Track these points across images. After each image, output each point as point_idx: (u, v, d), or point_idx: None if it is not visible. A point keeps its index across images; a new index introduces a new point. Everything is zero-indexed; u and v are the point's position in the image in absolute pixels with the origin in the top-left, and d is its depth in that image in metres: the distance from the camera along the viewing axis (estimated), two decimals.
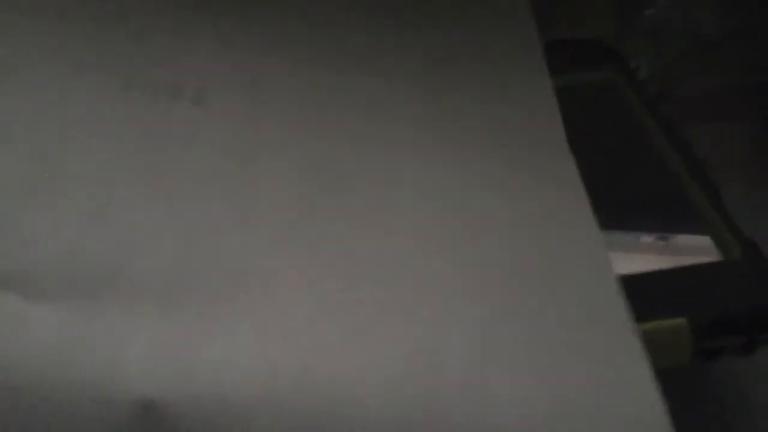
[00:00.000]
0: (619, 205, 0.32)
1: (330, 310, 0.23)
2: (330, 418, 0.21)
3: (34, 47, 0.28)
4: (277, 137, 0.28)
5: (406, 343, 0.23)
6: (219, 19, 0.30)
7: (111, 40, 0.28)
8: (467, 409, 0.22)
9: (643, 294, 0.25)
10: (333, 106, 0.29)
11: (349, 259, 0.25)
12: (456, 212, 0.27)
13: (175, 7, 0.30)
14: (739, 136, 0.40)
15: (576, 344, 0.23)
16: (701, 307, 0.27)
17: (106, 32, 0.29)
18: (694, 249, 0.30)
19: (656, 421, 0.21)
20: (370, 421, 0.21)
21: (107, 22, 0.29)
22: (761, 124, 0.41)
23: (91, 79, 0.27)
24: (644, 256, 0.30)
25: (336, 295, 0.24)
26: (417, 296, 0.24)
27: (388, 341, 0.23)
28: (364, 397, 0.21)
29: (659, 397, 0.22)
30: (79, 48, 0.28)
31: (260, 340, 0.22)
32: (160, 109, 0.27)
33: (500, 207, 0.27)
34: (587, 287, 0.25)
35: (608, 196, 0.28)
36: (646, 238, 0.31)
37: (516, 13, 0.33)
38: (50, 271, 0.22)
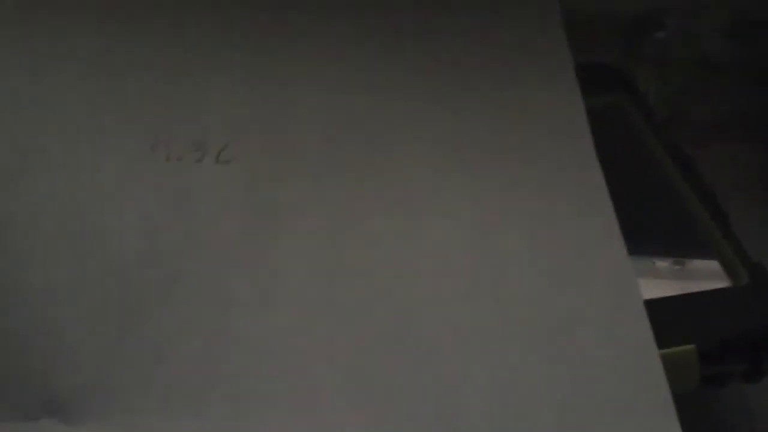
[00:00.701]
0: (631, 230, 0.32)
1: (362, 392, 0.24)
2: None
3: (58, 112, 0.27)
4: (302, 193, 0.28)
5: (430, 399, 0.23)
6: (241, 58, 0.30)
7: (135, 95, 0.28)
8: None
9: (652, 321, 0.25)
10: (358, 152, 0.29)
11: (380, 336, 0.25)
12: (481, 245, 0.27)
13: (195, 53, 0.29)
14: (748, 160, 0.41)
15: (603, 380, 0.24)
16: (709, 333, 0.28)
17: (129, 88, 0.28)
18: (705, 274, 0.30)
19: None
20: None
21: (130, 76, 0.28)
22: None
23: (117, 141, 0.27)
24: (658, 281, 0.30)
25: (367, 372, 0.24)
26: (441, 347, 0.24)
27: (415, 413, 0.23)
28: None
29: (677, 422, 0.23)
30: (105, 107, 0.28)
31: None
32: (186, 169, 0.27)
33: (528, 236, 0.27)
34: (616, 320, 0.25)
35: (618, 221, 0.28)
36: (662, 263, 0.31)
37: (547, 30, 0.32)
38: (88, 391, 0.23)
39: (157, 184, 0.27)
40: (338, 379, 0.24)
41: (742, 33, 0.41)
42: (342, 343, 0.25)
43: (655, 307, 0.27)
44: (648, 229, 0.33)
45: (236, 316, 0.25)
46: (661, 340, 0.26)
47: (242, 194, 0.27)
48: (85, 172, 0.27)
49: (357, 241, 0.27)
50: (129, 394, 0.23)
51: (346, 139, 0.29)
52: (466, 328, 0.25)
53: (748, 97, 0.42)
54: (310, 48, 0.31)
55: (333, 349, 0.25)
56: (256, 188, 0.27)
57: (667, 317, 0.28)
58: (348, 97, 0.30)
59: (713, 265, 0.31)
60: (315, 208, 0.27)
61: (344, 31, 0.31)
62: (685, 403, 0.24)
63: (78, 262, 0.25)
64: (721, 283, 0.30)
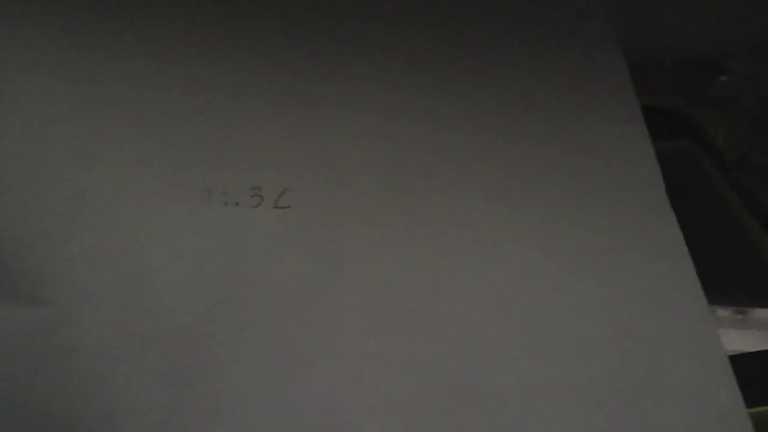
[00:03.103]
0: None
1: None
2: None
3: (112, 158, 0.27)
4: (361, 240, 0.27)
5: None
6: (294, 102, 0.29)
7: (190, 140, 0.28)
8: None
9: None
10: (418, 197, 0.28)
11: (446, 389, 0.24)
12: (550, 295, 0.26)
13: (248, 97, 0.29)
14: None
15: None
16: None
17: (184, 133, 0.28)
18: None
19: None
20: None
21: (185, 121, 0.28)
22: None
23: (173, 186, 0.27)
24: (721, 330, 0.29)
25: (433, 426, 0.23)
26: (510, 402, 0.24)
27: None
28: None
29: None
30: (160, 152, 0.27)
31: None
32: (244, 215, 0.27)
33: (600, 285, 0.26)
34: (699, 376, 0.24)
35: None
36: (723, 312, 0.30)
37: (612, 72, 0.31)
38: None
39: (214, 230, 0.26)
40: None
41: None
42: (406, 396, 0.24)
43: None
44: (709, 276, 0.31)
45: (297, 368, 0.24)
46: (749, 398, 0.25)
47: (302, 241, 0.27)
48: (139, 218, 0.26)
49: (419, 289, 0.26)
50: None
51: (405, 182, 0.28)
52: (536, 382, 0.24)
53: None
54: (364, 88, 0.30)
55: (397, 402, 0.24)
56: (315, 234, 0.27)
57: (752, 372, 0.26)
58: (405, 139, 0.29)
59: None
60: (375, 254, 0.27)
61: (399, 69, 0.30)
62: None
63: (133, 315, 0.25)
64: None
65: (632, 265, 0.26)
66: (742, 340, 0.28)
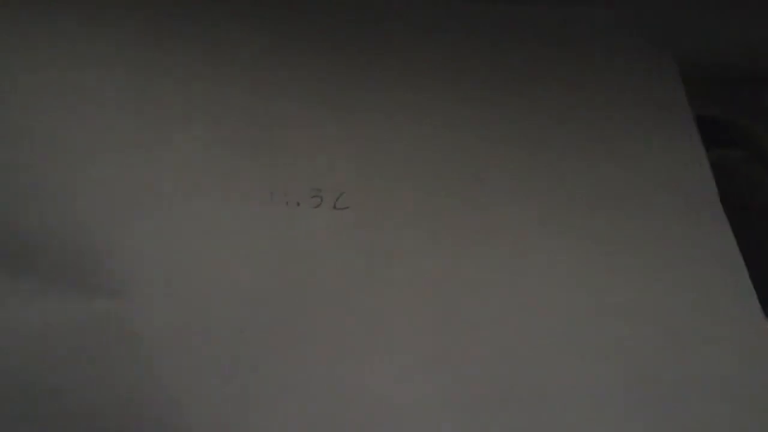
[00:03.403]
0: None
1: None
2: None
3: (174, 158, 0.28)
4: (415, 241, 0.28)
5: None
6: (353, 105, 0.30)
7: (251, 142, 0.29)
8: None
9: None
10: (472, 199, 0.29)
11: (493, 390, 0.24)
12: (598, 299, 0.26)
13: (309, 101, 0.30)
14: None
15: None
16: None
17: (245, 134, 0.29)
18: None
19: None
20: None
21: (246, 123, 0.29)
22: None
23: (238, 192, 0.28)
24: None
25: (481, 425, 0.24)
26: (556, 404, 0.24)
27: None
28: None
29: None
30: (222, 153, 0.28)
31: None
32: (305, 216, 0.28)
33: (650, 288, 0.26)
34: (752, 386, 0.24)
35: None
36: None
37: (664, 81, 0.32)
38: None
39: (276, 228, 0.27)
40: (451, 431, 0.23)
41: None
42: (455, 395, 0.24)
43: None
44: (763, 288, 0.31)
45: (347, 364, 0.25)
46: None
47: (358, 241, 0.27)
48: (202, 212, 0.27)
49: (469, 291, 0.26)
50: None
51: (459, 186, 0.29)
52: (582, 384, 0.24)
53: None
54: (417, 97, 0.31)
55: (446, 401, 0.24)
56: (370, 236, 0.27)
57: None
58: (458, 142, 0.30)
59: None
60: (428, 256, 0.27)
61: (451, 79, 0.31)
62: None
63: (188, 307, 0.26)
64: None
65: (686, 271, 0.26)
66: None
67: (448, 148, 0.30)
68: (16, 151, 0.26)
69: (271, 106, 0.29)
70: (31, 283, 0.25)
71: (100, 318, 0.25)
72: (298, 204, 0.28)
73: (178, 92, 0.28)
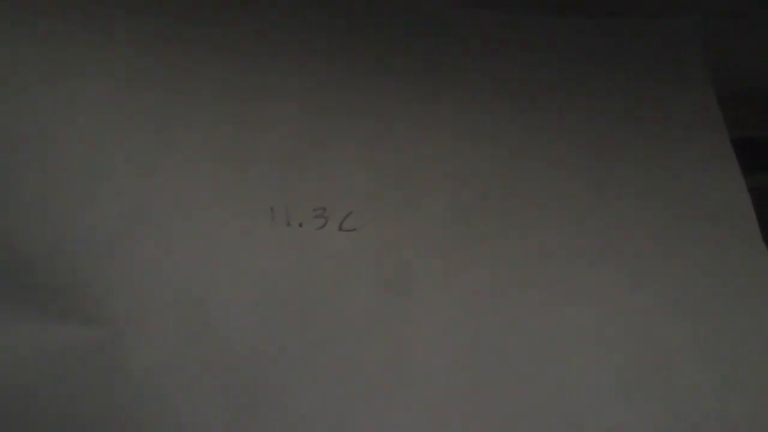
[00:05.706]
0: None
1: None
2: None
3: (176, 176, 0.26)
4: (434, 266, 0.26)
5: None
6: (357, 122, 0.28)
7: (254, 160, 0.27)
8: None
9: None
10: (491, 225, 0.27)
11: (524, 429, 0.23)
12: (639, 335, 0.24)
13: (314, 119, 0.28)
14: None
15: None
16: None
17: (248, 152, 0.27)
18: None
19: None
20: None
21: (250, 140, 0.27)
22: None
23: (238, 212, 0.26)
24: None
25: None
26: None
27: None
28: None
29: None
30: (224, 171, 0.27)
31: None
32: (308, 236, 0.26)
33: (691, 328, 0.24)
34: None
35: None
36: None
37: (701, 106, 0.30)
38: None
39: (277, 251, 0.25)
40: None
41: None
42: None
43: None
44: None
45: (367, 400, 0.23)
46: None
47: (371, 265, 0.25)
48: (199, 235, 0.25)
49: (498, 321, 0.24)
50: None
51: (478, 210, 0.27)
52: (622, 428, 0.22)
53: None
54: (437, 112, 0.29)
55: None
56: (385, 259, 0.26)
57: None
58: (478, 166, 0.28)
59: None
60: (449, 283, 0.25)
61: (475, 94, 0.29)
62: None
63: (190, 336, 0.24)
64: None
65: (728, 306, 0.25)
66: None
67: (469, 171, 0.28)
68: (4, 169, 0.25)
69: (275, 122, 0.28)
70: (30, 308, 0.24)
71: (89, 345, 0.24)
72: (300, 224, 0.26)
73: (176, 105, 0.27)
